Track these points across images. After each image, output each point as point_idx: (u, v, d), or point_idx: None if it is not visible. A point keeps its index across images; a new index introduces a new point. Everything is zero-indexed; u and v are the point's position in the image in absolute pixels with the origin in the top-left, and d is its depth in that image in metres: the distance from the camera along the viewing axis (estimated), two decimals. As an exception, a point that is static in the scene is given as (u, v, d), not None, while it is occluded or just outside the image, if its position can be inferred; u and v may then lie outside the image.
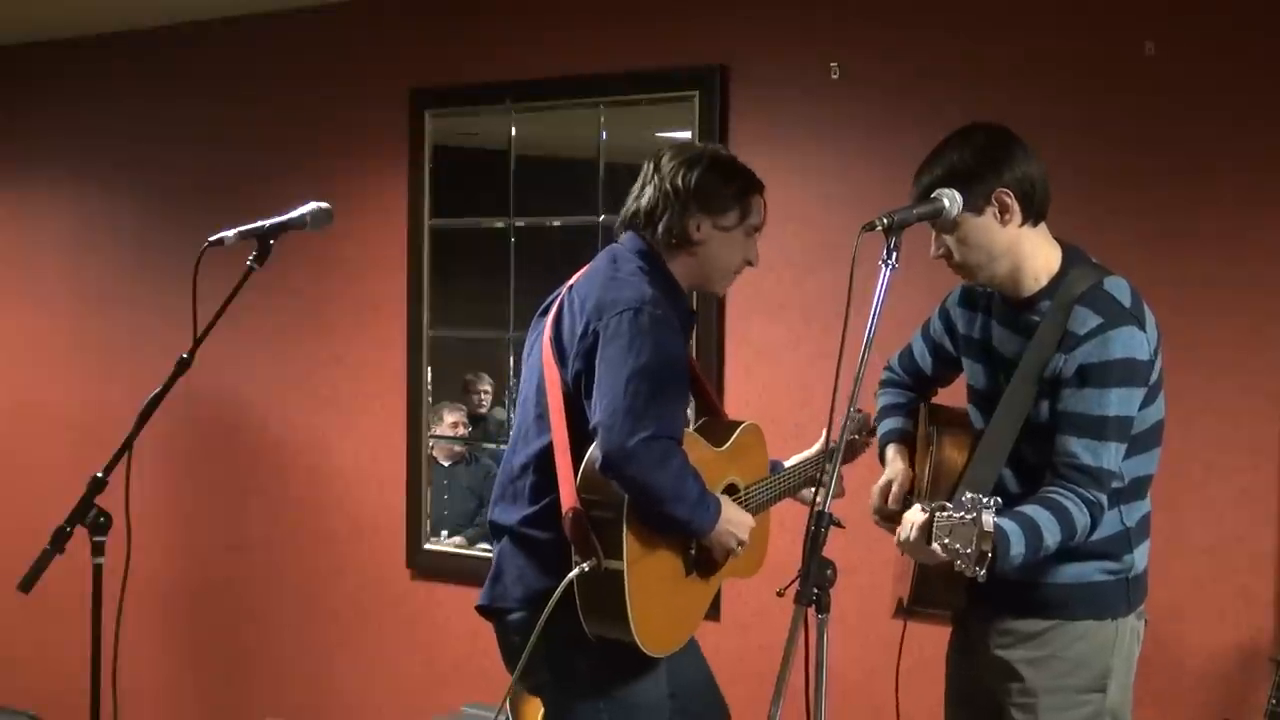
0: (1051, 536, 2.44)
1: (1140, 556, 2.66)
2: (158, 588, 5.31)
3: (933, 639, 2.93)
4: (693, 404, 3.18)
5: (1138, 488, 2.64)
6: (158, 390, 2.68)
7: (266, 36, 5.13)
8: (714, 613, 4.07)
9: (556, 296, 2.91)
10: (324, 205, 2.84)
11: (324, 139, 5.00)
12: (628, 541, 2.68)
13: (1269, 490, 3.43)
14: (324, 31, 5.00)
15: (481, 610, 2.94)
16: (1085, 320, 2.52)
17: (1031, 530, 2.43)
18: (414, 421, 4.82)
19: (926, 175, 2.59)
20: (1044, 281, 2.61)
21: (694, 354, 2.97)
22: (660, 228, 2.84)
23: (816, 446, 3.12)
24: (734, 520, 2.80)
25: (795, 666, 2.30)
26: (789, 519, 3.13)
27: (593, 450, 2.70)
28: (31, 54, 5.79)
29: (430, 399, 4.83)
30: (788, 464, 3.12)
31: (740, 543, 2.81)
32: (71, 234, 5.76)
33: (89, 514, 2.64)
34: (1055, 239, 2.66)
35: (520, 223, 4.64)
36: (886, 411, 2.99)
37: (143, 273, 5.47)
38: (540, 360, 2.86)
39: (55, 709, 5.42)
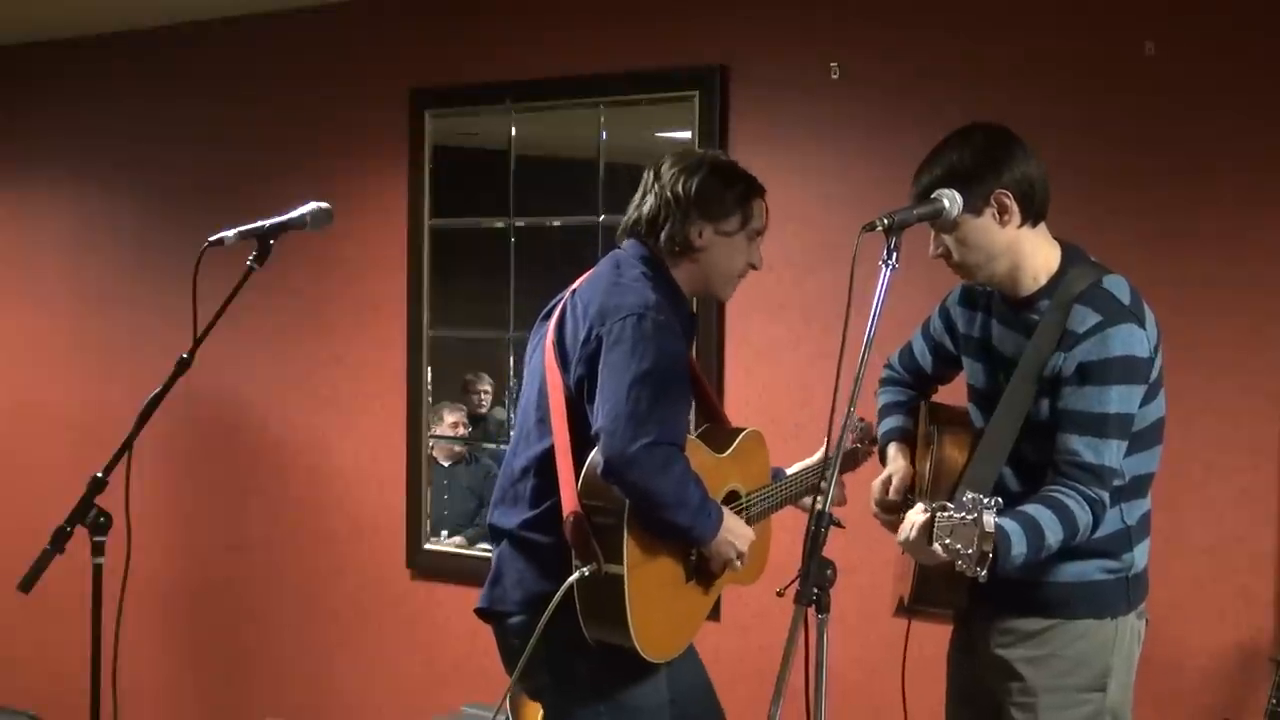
0: (1053, 535, 2.44)
1: (1140, 555, 2.66)
2: (158, 588, 5.31)
3: (934, 638, 2.93)
4: (695, 409, 3.18)
5: (1138, 486, 2.64)
6: (158, 390, 2.68)
7: (266, 36, 5.13)
8: (714, 613, 4.07)
9: (559, 301, 2.91)
10: (324, 205, 2.84)
11: (324, 139, 5.00)
12: (628, 546, 2.68)
13: (1269, 490, 3.43)
14: (324, 31, 5.00)
15: (481, 613, 2.94)
16: (1085, 318, 2.52)
17: (1033, 530, 2.43)
18: (414, 421, 4.82)
19: (926, 175, 2.59)
20: (1043, 280, 2.61)
21: (694, 356, 2.96)
22: (663, 236, 2.83)
23: (819, 454, 3.10)
24: (735, 531, 2.79)
25: (795, 666, 2.30)
26: (789, 519, 3.13)
27: (595, 455, 2.69)
28: (31, 54, 5.79)
29: (430, 399, 4.83)
30: (789, 471, 3.11)
31: (739, 555, 2.81)
32: (71, 234, 5.76)
33: (89, 514, 2.64)
34: (1055, 238, 2.66)
35: (520, 223, 4.64)
36: (887, 410, 2.99)
37: (143, 273, 5.47)
38: (542, 364, 2.85)
39: (55, 709, 5.42)
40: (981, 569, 2.28)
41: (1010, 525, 2.40)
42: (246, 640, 5.31)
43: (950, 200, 2.52)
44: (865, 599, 3.61)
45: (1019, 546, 2.40)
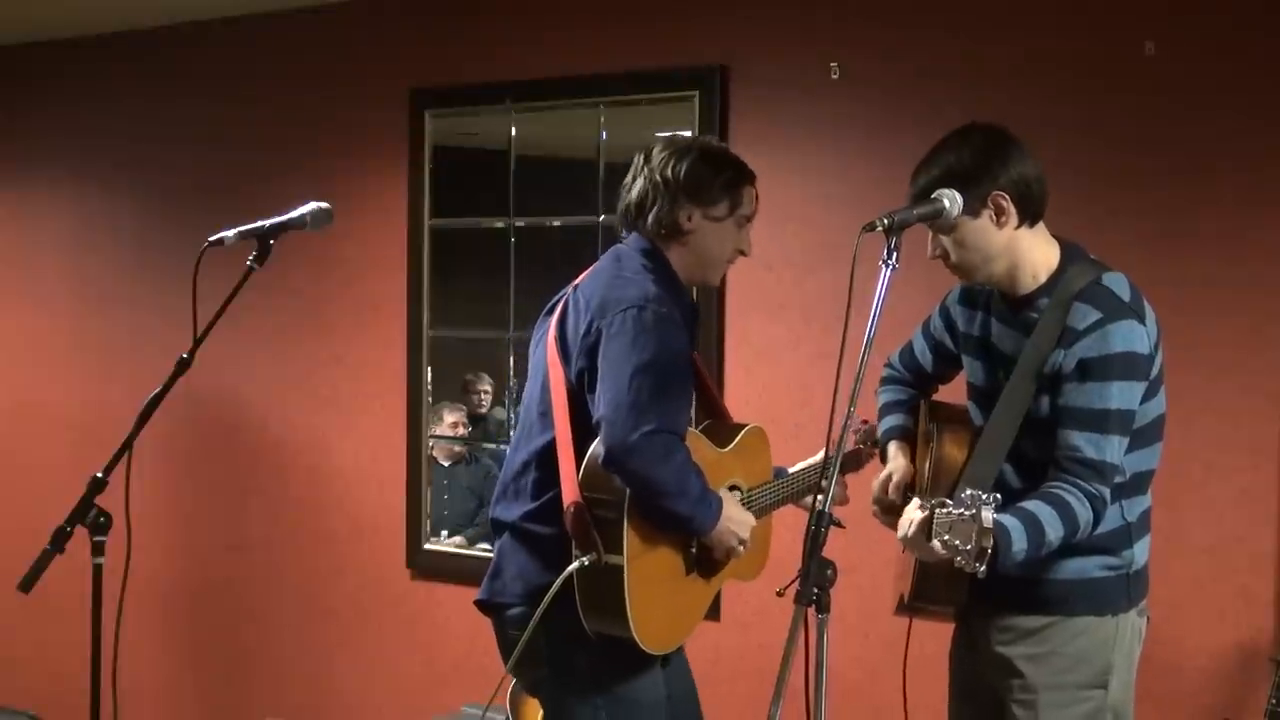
0: (1054, 532, 2.45)
1: (1141, 552, 2.66)
2: (158, 588, 5.31)
3: (935, 636, 2.93)
4: (697, 405, 3.18)
5: (1139, 483, 2.64)
6: (158, 390, 2.68)
7: (266, 36, 5.13)
8: (714, 612, 4.07)
9: (562, 296, 2.91)
10: (324, 205, 2.85)
11: (324, 139, 5.00)
12: (628, 537, 2.68)
13: (1269, 490, 3.43)
14: (324, 31, 5.00)
15: (480, 605, 2.94)
16: (1085, 315, 2.52)
17: (1033, 526, 2.43)
18: (414, 421, 4.82)
19: (924, 176, 2.59)
20: (1043, 279, 2.61)
21: (696, 349, 2.96)
22: (650, 219, 2.84)
23: (821, 454, 3.09)
24: (735, 519, 2.80)
25: (795, 666, 2.30)
26: (790, 518, 3.13)
27: (596, 445, 2.70)
28: (31, 54, 5.79)
29: (430, 399, 4.83)
30: (792, 470, 3.11)
31: (741, 542, 2.81)
32: (71, 234, 5.76)
33: (89, 514, 2.65)
34: (1054, 236, 2.66)
35: (520, 223, 4.64)
36: (887, 409, 2.99)
37: (143, 273, 5.47)
38: (544, 359, 2.86)
39: (55, 709, 5.42)
40: (980, 564, 2.28)
41: (1011, 522, 2.41)
42: (246, 640, 5.31)
43: (950, 200, 2.52)
44: (865, 599, 3.61)
45: (1020, 543, 2.41)
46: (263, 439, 5.22)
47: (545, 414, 2.83)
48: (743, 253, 2.94)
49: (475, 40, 4.68)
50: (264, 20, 5.09)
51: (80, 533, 2.64)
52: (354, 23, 4.93)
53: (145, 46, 5.45)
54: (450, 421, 4.87)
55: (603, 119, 4.43)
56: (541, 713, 3.02)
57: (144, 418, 2.68)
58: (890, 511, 2.81)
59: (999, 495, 2.32)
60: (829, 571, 2.34)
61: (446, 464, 4.90)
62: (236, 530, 5.30)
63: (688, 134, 4.16)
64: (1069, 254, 2.64)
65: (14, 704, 5.50)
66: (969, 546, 2.27)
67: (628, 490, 2.67)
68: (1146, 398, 2.57)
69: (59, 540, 2.60)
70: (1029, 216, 2.59)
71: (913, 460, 2.88)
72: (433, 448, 4.86)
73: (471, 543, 4.78)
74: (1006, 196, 2.55)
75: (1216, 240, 3.48)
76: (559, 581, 2.70)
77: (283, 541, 5.18)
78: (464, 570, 4.58)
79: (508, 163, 4.63)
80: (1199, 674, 3.51)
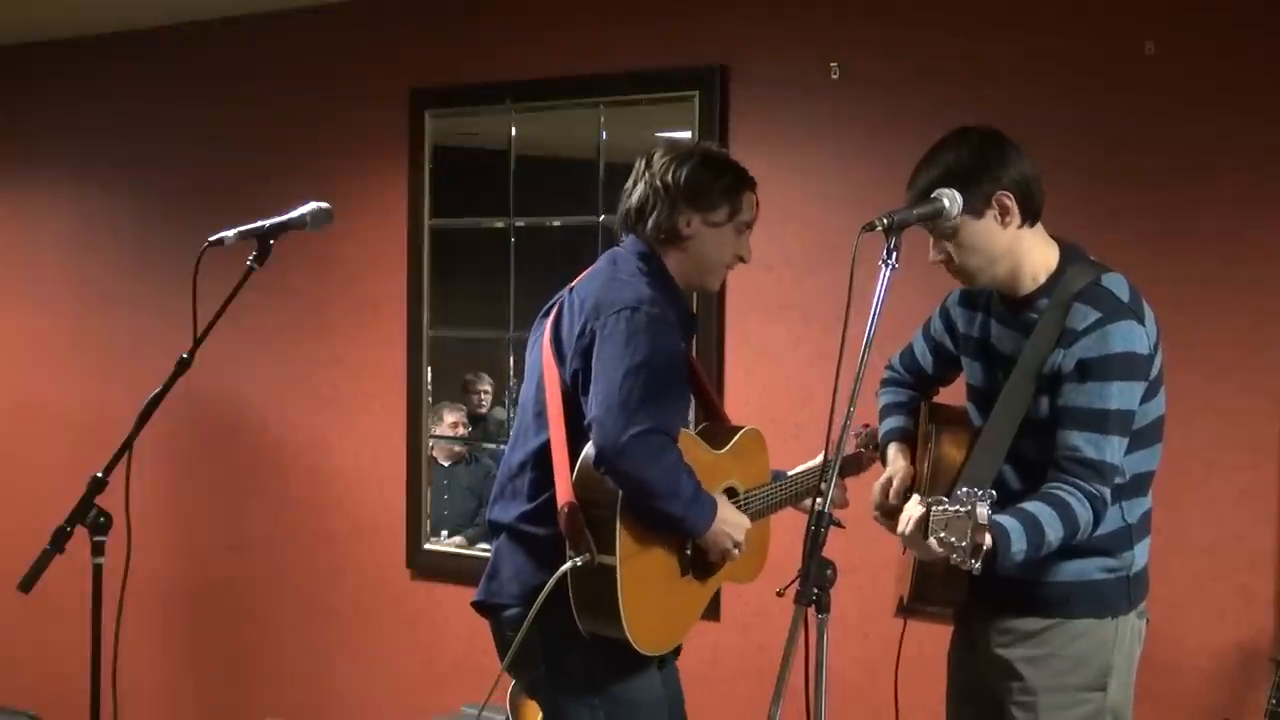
0: (1054, 532, 2.44)
1: (1141, 553, 2.66)
2: (158, 588, 5.31)
3: (933, 637, 2.93)
4: (694, 408, 3.18)
5: (1139, 484, 2.64)
6: (158, 390, 2.68)
7: (266, 36, 5.13)
8: (714, 612, 4.08)
9: (558, 299, 2.92)
10: (324, 205, 2.84)
11: (324, 139, 5.00)
12: (621, 537, 2.68)
13: (1269, 490, 3.43)
14: (324, 31, 5.00)
15: (477, 606, 2.94)
16: (1084, 316, 2.52)
17: (1033, 527, 2.42)
18: (414, 421, 4.82)
19: (923, 176, 2.58)
20: (1042, 279, 2.61)
21: (694, 355, 2.96)
22: (650, 223, 2.84)
23: (820, 457, 3.09)
24: (730, 521, 2.79)
25: (795, 666, 2.30)
26: (789, 519, 3.13)
27: (589, 446, 2.70)
28: (31, 54, 5.79)
29: (430, 399, 4.83)
30: (790, 473, 3.11)
31: (736, 544, 2.80)
32: (71, 234, 5.76)
33: (89, 514, 2.64)
34: (1053, 236, 2.66)
35: (520, 223, 4.64)
36: (888, 410, 2.99)
37: (143, 273, 5.47)
38: (540, 360, 2.87)
39: (55, 709, 5.42)
40: (976, 561, 2.27)
41: (1010, 523, 2.40)
42: (246, 640, 5.31)
43: (950, 200, 2.51)
44: (865, 599, 3.61)
45: (1019, 544, 2.40)
46: (263, 439, 5.22)
47: (541, 415, 2.83)
48: (742, 259, 2.94)
49: (475, 40, 4.68)
50: (264, 20, 5.09)
51: (80, 533, 2.64)
52: (354, 23, 4.93)
53: (145, 46, 5.45)
54: (450, 421, 4.87)
55: (603, 119, 4.43)
56: (541, 714, 3.02)
57: (144, 418, 2.68)
58: (891, 515, 2.80)
59: (994, 492, 2.31)
60: (829, 572, 2.34)
61: (446, 464, 4.90)
62: (236, 530, 5.30)
63: (688, 135, 4.17)
64: (1068, 255, 2.64)
65: (14, 704, 5.50)
66: (964, 543, 2.27)
67: (620, 490, 2.67)
68: (1146, 398, 2.57)
69: (59, 540, 2.60)
70: (1030, 215, 2.59)
71: (913, 462, 2.87)
72: (433, 448, 4.86)
73: (471, 543, 4.78)
74: (1010, 195, 2.55)
75: (1216, 239, 3.48)
76: (552, 581, 2.70)
77: (283, 541, 5.18)
78: (464, 570, 4.58)
79: (508, 163, 4.63)
80: (1199, 674, 3.51)
